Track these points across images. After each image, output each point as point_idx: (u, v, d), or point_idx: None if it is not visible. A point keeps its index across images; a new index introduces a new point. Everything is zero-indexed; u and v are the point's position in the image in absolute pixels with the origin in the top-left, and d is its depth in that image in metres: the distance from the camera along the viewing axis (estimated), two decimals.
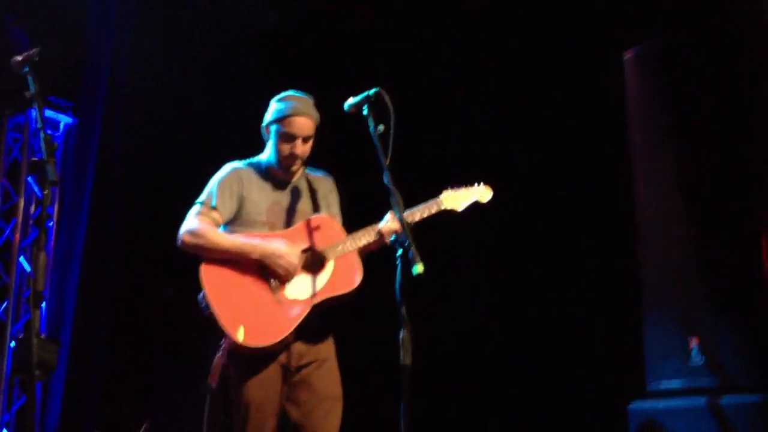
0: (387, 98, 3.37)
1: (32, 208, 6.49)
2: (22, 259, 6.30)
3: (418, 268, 3.02)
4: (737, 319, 4.37)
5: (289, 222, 3.74)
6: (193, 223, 3.68)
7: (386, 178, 3.30)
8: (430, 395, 5.40)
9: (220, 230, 3.72)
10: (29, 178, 6.35)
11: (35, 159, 2.94)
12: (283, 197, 3.79)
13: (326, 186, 3.89)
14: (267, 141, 3.86)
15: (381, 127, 3.35)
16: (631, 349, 4.80)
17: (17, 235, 6.30)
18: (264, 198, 3.76)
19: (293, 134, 3.73)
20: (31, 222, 6.38)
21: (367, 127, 3.38)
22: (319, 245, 3.66)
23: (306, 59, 6.12)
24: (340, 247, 3.63)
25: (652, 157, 4.86)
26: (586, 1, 5.53)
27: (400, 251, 3.12)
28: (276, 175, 3.83)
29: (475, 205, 3.84)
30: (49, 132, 6.34)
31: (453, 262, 5.61)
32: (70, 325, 6.18)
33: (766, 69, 4.39)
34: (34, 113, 6.27)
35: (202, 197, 3.76)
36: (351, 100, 3.59)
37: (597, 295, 5.51)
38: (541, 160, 5.40)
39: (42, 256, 2.84)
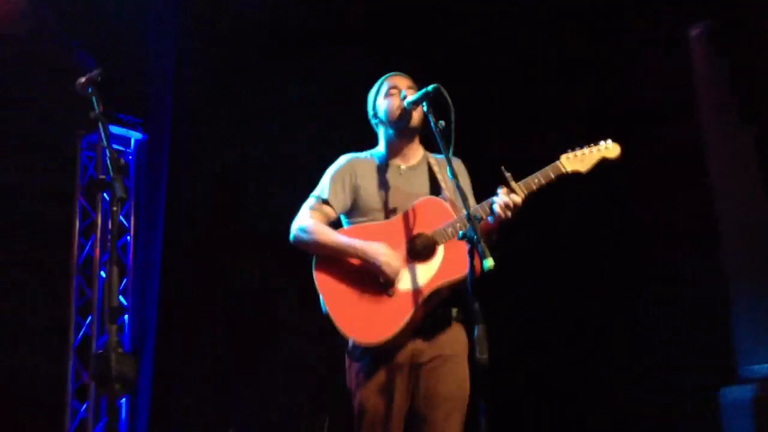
0: (446, 93, 3.34)
1: (110, 224, 6.62)
2: (103, 273, 6.44)
3: (489, 263, 2.96)
4: None
5: (406, 207, 3.61)
6: (304, 219, 3.66)
7: (450, 172, 3.28)
8: (515, 387, 5.32)
9: (342, 220, 3.72)
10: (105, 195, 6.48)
11: (102, 177, 2.98)
12: (402, 182, 3.71)
13: (455, 167, 3.48)
14: (378, 131, 3.85)
15: (442, 123, 3.34)
16: (722, 335, 4.62)
17: (97, 251, 6.43)
18: (381, 185, 3.69)
19: (394, 85, 3.75)
20: (109, 237, 6.51)
21: (425, 123, 3.37)
22: (428, 230, 3.54)
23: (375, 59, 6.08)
24: (450, 230, 3.48)
25: (727, 141, 4.67)
26: None
27: (469, 246, 3.08)
28: (394, 161, 3.77)
29: (604, 163, 3.62)
30: (120, 148, 6.57)
31: (540, 248, 5.51)
32: (153, 337, 6.28)
33: None
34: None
35: (316, 190, 3.74)
36: (410, 98, 3.59)
37: (686, 282, 5.34)
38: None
39: (114, 271, 2.87)
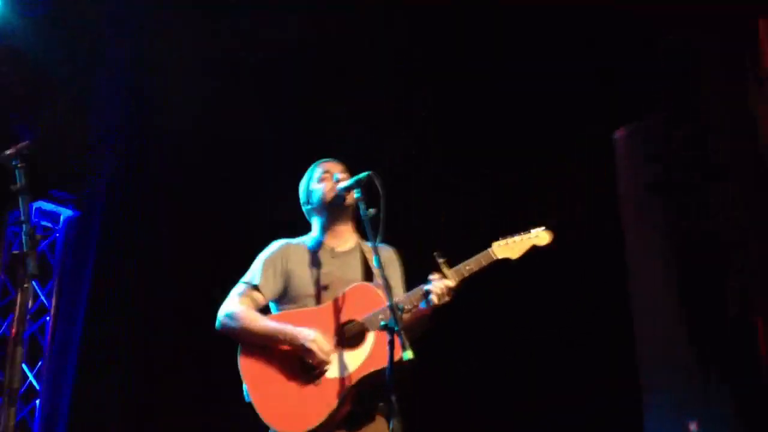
0: (378, 181, 3.34)
1: (30, 303, 6.42)
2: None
3: (408, 354, 2.94)
4: (736, 402, 4.24)
5: (338, 292, 3.53)
6: (232, 305, 3.56)
7: (376, 261, 3.26)
8: None
9: (272, 306, 3.63)
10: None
11: (14, 252, 2.91)
12: (334, 265, 3.64)
13: (384, 256, 3.53)
14: (311, 219, 3.82)
15: (372, 211, 3.33)
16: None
17: (13, 330, 6.20)
18: (311, 272, 3.62)
19: (327, 170, 3.74)
20: (28, 317, 6.29)
21: (359, 210, 3.37)
22: (358, 316, 3.46)
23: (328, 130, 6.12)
24: (381, 317, 3.36)
25: (643, 238, 4.82)
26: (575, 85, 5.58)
27: (390, 337, 3.04)
28: (327, 244, 3.71)
29: (533, 251, 3.61)
30: (48, 224, 6.44)
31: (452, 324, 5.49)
32: (65, 420, 6.04)
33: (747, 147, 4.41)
34: (34, 206, 6.32)
35: (246, 276, 3.64)
36: (343, 183, 3.59)
37: (595, 376, 5.37)
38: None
39: (18, 351, 2.78)
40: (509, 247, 3.60)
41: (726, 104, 4.66)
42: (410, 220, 3.44)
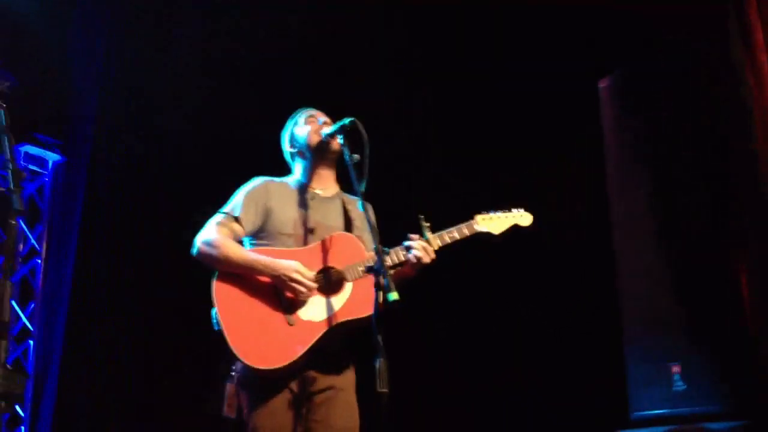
0: (361, 127, 3.39)
1: (20, 246, 6.48)
2: None
3: (393, 295, 3.03)
4: (718, 345, 4.37)
5: (317, 237, 3.60)
6: (210, 233, 3.57)
7: (360, 205, 3.34)
8: (411, 424, 5.37)
9: (245, 242, 3.64)
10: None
11: (0, 189, 2.95)
12: (313, 212, 3.69)
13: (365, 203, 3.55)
14: (293, 162, 3.86)
15: (356, 156, 3.40)
16: (614, 377, 4.78)
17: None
18: (292, 212, 3.66)
19: (311, 114, 3.80)
20: (19, 259, 6.36)
21: (342, 155, 3.43)
22: (339, 265, 3.53)
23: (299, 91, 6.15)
24: (360, 268, 3.47)
25: (627, 186, 4.91)
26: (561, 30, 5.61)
27: (375, 279, 3.14)
28: (310, 187, 3.76)
29: (515, 229, 3.75)
30: (36, 169, 6.46)
31: (437, 291, 5.60)
32: (58, 363, 6.13)
33: (730, 99, 4.45)
34: (22, 150, 6.34)
35: (226, 207, 3.67)
36: (327, 129, 3.65)
37: (578, 324, 5.52)
38: (519, 189, 5.44)
39: (7, 286, 2.84)
40: (491, 222, 3.73)
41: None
42: (388, 187, 3.51)
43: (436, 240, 3.57)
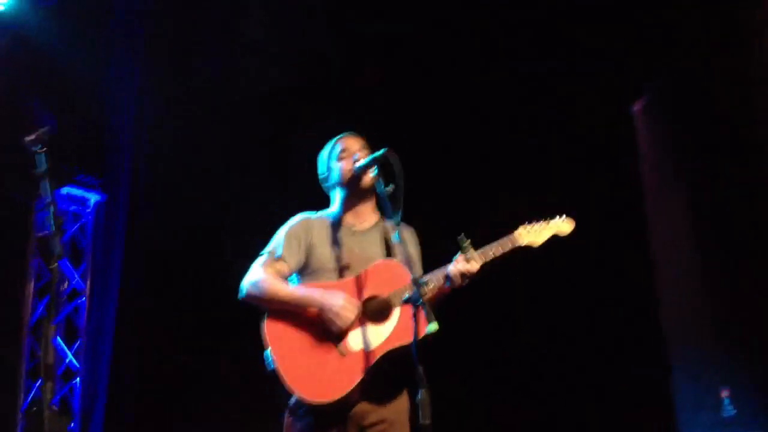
0: (394, 159, 3.38)
1: (65, 285, 6.57)
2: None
3: (433, 327, 3.01)
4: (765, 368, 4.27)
5: (359, 270, 3.60)
6: (256, 274, 3.61)
7: (397, 236, 3.33)
8: None
9: (293, 280, 3.67)
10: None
11: (40, 235, 2.99)
12: (354, 242, 3.70)
13: (404, 233, 3.58)
14: (331, 194, 3.87)
15: (390, 188, 3.40)
16: (663, 402, 4.70)
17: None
18: (334, 244, 3.67)
19: (346, 147, 3.78)
20: (63, 299, 6.46)
21: (377, 187, 3.43)
22: (384, 291, 3.53)
23: (327, 117, 6.18)
24: (407, 293, 3.41)
25: (667, 208, 4.84)
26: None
27: (414, 310, 3.12)
28: (347, 221, 3.77)
29: (554, 239, 3.73)
30: (77, 210, 6.56)
31: (475, 311, 5.56)
32: (104, 400, 6.19)
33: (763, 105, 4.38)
34: (63, 192, 6.45)
35: (269, 247, 3.70)
36: (360, 163, 3.66)
37: (626, 346, 5.43)
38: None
39: (51, 329, 2.87)
40: (533, 233, 3.70)
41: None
42: (429, 205, 3.50)
43: (479, 257, 3.55)
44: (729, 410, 4.29)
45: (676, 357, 4.66)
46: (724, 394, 4.34)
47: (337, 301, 3.46)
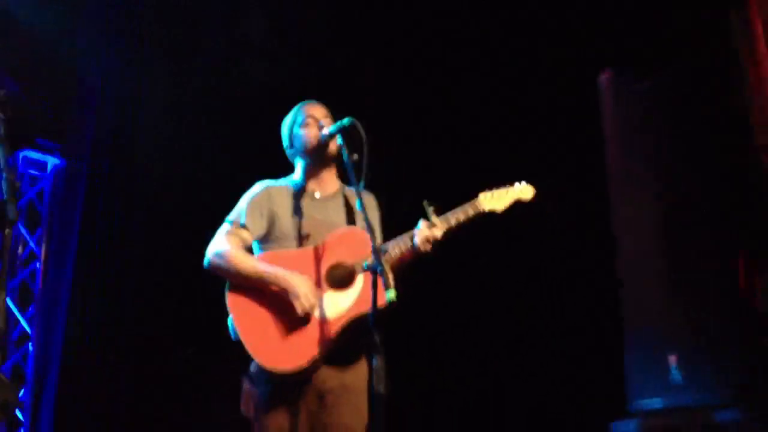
0: (360, 127, 3.41)
1: (20, 250, 6.50)
2: (9, 300, 6.29)
3: (391, 294, 3.03)
4: (715, 335, 4.38)
5: (321, 237, 3.62)
6: (220, 244, 3.63)
7: (359, 204, 3.35)
8: (412, 422, 5.39)
9: (254, 247, 3.68)
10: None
11: None
12: (316, 209, 3.73)
13: (365, 200, 3.53)
14: (294, 161, 3.88)
15: (355, 156, 3.42)
16: (612, 368, 4.79)
17: None
18: (295, 213, 3.69)
19: (310, 114, 3.79)
20: (18, 263, 6.39)
21: (342, 155, 3.45)
22: (348, 260, 3.55)
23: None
24: (369, 261, 3.36)
25: (629, 177, 4.93)
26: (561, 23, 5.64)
27: (373, 278, 3.14)
28: (310, 189, 3.79)
29: (517, 204, 3.77)
30: (35, 173, 6.48)
31: (436, 281, 5.61)
32: (57, 366, 6.14)
33: (737, 90, 4.47)
34: (21, 155, 6.37)
35: (232, 215, 3.72)
36: (326, 130, 3.67)
37: (577, 313, 5.52)
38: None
39: (2, 296, 2.86)
40: (495, 199, 3.75)
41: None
42: (392, 173, 3.53)
43: (443, 224, 3.59)
44: (676, 376, 4.38)
45: (626, 323, 4.74)
46: (672, 360, 4.43)
47: (301, 288, 3.46)
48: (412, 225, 3.61)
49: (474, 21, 6.16)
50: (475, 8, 6.10)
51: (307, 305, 3.45)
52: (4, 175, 3.07)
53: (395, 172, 3.66)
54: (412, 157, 6.27)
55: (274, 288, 3.52)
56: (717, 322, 4.41)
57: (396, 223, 3.74)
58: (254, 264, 3.60)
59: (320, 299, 3.50)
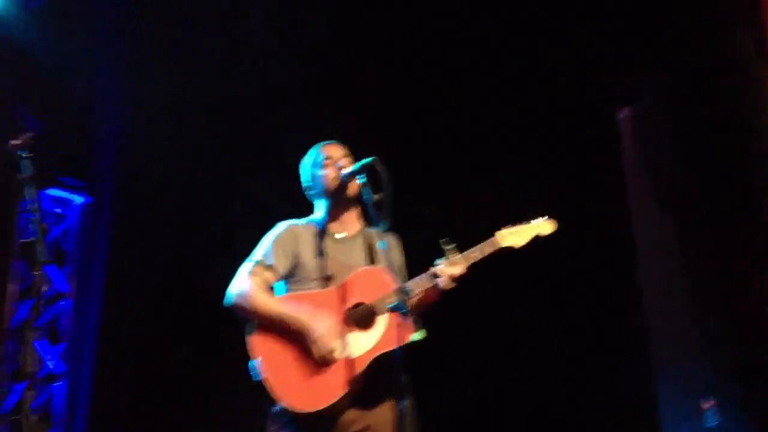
0: (381, 167, 3.39)
1: (45, 288, 6.52)
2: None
3: (418, 335, 3.05)
4: (750, 381, 4.28)
5: (343, 278, 3.62)
6: (244, 284, 3.63)
7: (383, 244, 3.34)
8: None
9: (280, 286, 3.69)
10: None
11: (23, 241, 2.95)
12: (338, 251, 3.73)
13: (389, 242, 3.70)
14: (315, 202, 3.88)
15: (377, 196, 3.40)
16: (646, 412, 4.71)
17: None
18: (319, 254, 3.69)
19: (329, 155, 3.80)
20: (43, 302, 6.41)
21: (364, 195, 3.44)
22: (369, 299, 3.57)
23: (317, 124, 6.17)
24: (392, 301, 3.46)
25: (650, 218, 4.85)
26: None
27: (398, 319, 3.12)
28: (331, 230, 3.79)
29: (536, 240, 3.78)
30: (61, 212, 6.51)
31: (461, 317, 5.56)
32: (86, 403, 6.14)
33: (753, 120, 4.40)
34: (45, 193, 6.40)
35: (257, 255, 3.72)
36: (347, 170, 3.65)
37: (610, 358, 5.44)
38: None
39: (30, 335, 2.85)
40: (513, 236, 3.74)
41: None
42: (412, 209, 3.52)
43: (462, 261, 3.58)
44: (712, 420, 4.29)
45: (660, 366, 4.65)
46: (707, 405, 4.34)
47: (318, 332, 3.46)
48: (428, 261, 3.59)
49: (482, 27, 6.13)
50: (482, 13, 6.07)
51: (323, 351, 3.45)
52: (32, 216, 3.07)
53: (413, 209, 3.63)
54: (429, 193, 6.24)
55: (293, 329, 3.51)
56: (751, 366, 4.31)
57: (413, 262, 3.73)
58: (277, 305, 3.60)
59: (345, 339, 3.48)
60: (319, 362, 3.46)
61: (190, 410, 6.22)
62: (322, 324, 3.50)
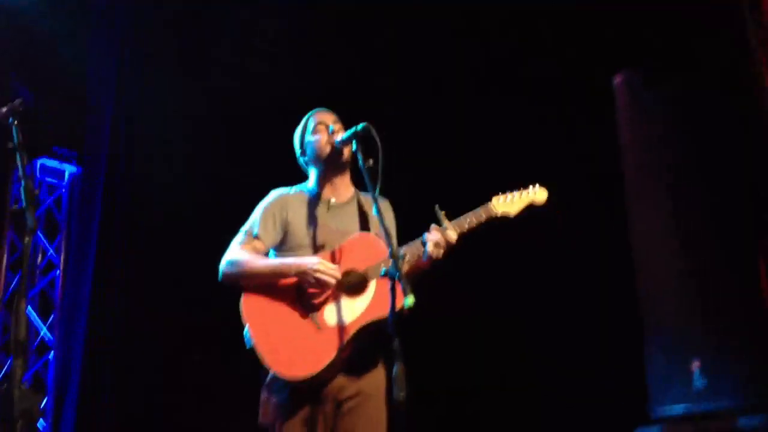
0: (374, 133, 3.38)
1: (39, 258, 6.53)
2: (29, 308, 6.32)
3: (410, 301, 2.99)
4: (737, 341, 4.32)
5: (336, 245, 3.59)
6: (233, 253, 3.61)
7: (375, 210, 3.32)
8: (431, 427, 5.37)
9: (270, 255, 3.66)
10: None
11: (15, 208, 2.95)
12: (330, 218, 3.69)
13: (381, 207, 3.44)
14: (308, 168, 3.86)
15: (370, 161, 3.39)
16: (634, 374, 4.75)
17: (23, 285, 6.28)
18: (310, 221, 3.66)
19: (321, 121, 3.76)
20: (37, 272, 6.42)
21: (357, 161, 3.42)
22: (360, 265, 3.52)
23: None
24: (383, 267, 3.31)
25: (645, 185, 4.87)
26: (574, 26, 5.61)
27: (391, 284, 3.11)
28: (324, 196, 3.76)
29: (530, 208, 3.73)
30: (53, 181, 6.50)
31: (453, 289, 5.58)
32: (78, 373, 6.16)
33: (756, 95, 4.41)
34: (38, 163, 6.40)
35: (246, 225, 3.70)
36: (340, 136, 3.64)
37: (598, 321, 5.48)
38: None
39: (22, 305, 2.85)
40: (508, 203, 3.70)
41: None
42: (405, 177, 3.51)
43: (455, 228, 3.55)
44: (700, 382, 4.32)
45: (647, 329, 4.69)
46: (695, 365, 4.37)
47: (315, 263, 3.44)
48: (422, 230, 3.57)
49: (484, 24, 6.13)
50: (485, 12, 6.06)
51: (329, 271, 3.42)
52: (23, 183, 3.07)
53: (404, 176, 3.64)
54: (422, 160, 6.24)
55: (289, 281, 3.49)
56: (739, 326, 4.34)
57: (405, 227, 3.71)
58: (268, 261, 3.59)
59: (333, 304, 3.48)
60: (314, 326, 3.44)
61: (181, 378, 6.23)
62: (314, 259, 3.49)
